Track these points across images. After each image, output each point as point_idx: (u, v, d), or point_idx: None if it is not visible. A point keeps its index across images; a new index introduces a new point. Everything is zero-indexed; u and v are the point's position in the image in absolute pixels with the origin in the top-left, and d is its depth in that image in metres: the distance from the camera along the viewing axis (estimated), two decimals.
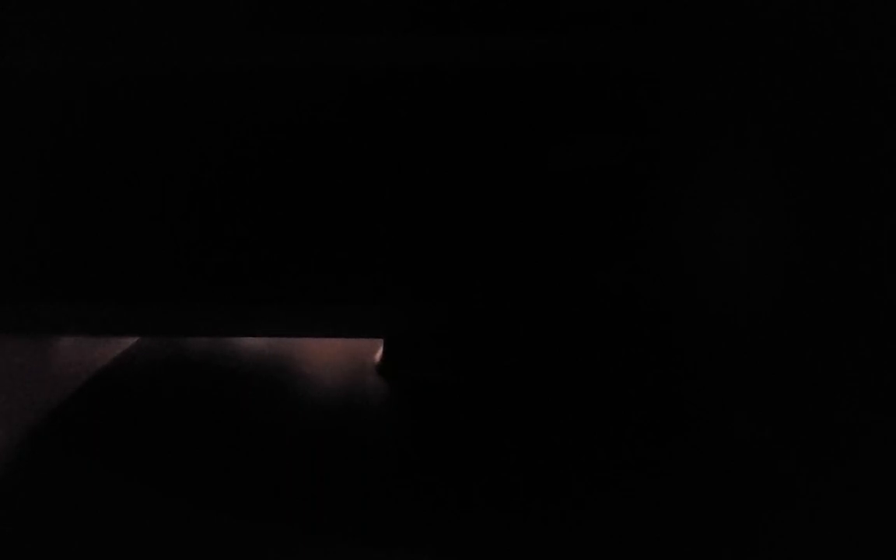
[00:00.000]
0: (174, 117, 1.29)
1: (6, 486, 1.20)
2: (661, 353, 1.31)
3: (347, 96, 1.28)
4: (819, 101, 1.15)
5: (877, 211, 1.13)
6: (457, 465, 1.25)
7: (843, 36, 1.12)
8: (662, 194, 1.26)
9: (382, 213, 1.29)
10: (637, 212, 1.27)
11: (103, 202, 1.30)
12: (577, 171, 1.27)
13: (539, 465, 1.24)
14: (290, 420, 1.41)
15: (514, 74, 1.26)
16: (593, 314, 1.31)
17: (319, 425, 1.39)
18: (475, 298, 1.32)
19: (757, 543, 1.03)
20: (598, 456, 1.27)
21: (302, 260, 1.31)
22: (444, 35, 1.25)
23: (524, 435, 1.34)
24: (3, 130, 1.29)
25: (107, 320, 1.41)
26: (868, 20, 1.07)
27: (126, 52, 1.26)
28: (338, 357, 1.65)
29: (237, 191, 1.30)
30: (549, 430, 1.35)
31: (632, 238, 1.28)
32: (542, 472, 1.22)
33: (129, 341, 1.72)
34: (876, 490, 1.06)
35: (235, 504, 1.14)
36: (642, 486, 1.17)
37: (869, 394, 1.11)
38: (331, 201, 1.30)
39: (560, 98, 1.26)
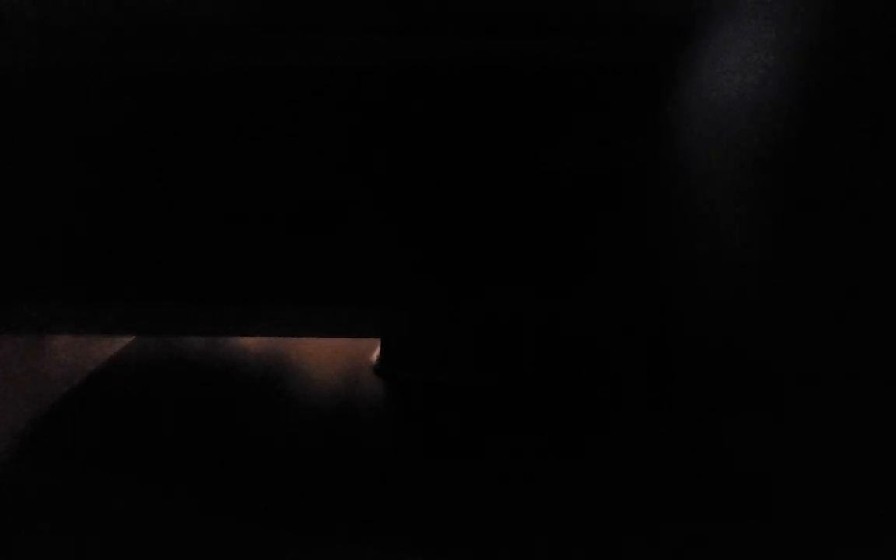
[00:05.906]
0: (172, 118, 1.29)
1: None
2: (658, 353, 1.32)
3: (349, 97, 1.28)
4: (818, 101, 1.15)
5: (875, 211, 1.14)
6: (454, 464, 1.26)
7: (843, 35, 1.12)
8: (657, 197, 1.27)
9: (381, 214, 1.30)
10: (632, 214, 1.28)
11: (99, 202, 1.30)
12: (572, 174, 1.28)
13: (536, 466, 1.24)
14: (288, 419, 1.41)
15: (513, 77, 1.26)
16: (588, 316, 1.31)
17: (316, 425, 1.39)
18: (472, 300, 1.32)
19: (753, 544, 1.04)
20: (594, 456, 1.27)
21: (300, 260, 1.31)
22: (443, 36, 1.25)
23: (521, 434, 1.34)
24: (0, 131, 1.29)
25: (103, 320, 1.42)
26: (868, 20, 1.08)
27: (122, 52, 1.26)
28: (335, 357, 1.65)
29: (235, 191, 1.30)
30: (546, 429, 1.35)
31: (628, 239, 1.28)
32: (540, 472, 1.23)
33: (126, 340, 1.72)
34: (875, 490, 1.06)
35: (231, 504, 1.14)
36: (640, 486, 1.17)
37: (865, 393, 1.11)
38: (329, 202, 1.30)
39: (557, 101, 1.26)
